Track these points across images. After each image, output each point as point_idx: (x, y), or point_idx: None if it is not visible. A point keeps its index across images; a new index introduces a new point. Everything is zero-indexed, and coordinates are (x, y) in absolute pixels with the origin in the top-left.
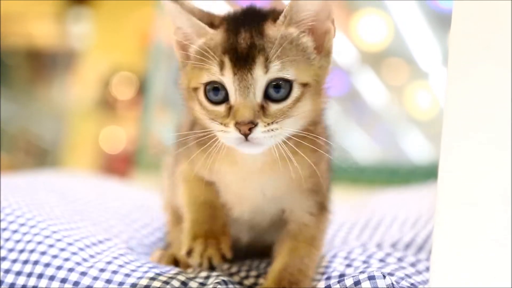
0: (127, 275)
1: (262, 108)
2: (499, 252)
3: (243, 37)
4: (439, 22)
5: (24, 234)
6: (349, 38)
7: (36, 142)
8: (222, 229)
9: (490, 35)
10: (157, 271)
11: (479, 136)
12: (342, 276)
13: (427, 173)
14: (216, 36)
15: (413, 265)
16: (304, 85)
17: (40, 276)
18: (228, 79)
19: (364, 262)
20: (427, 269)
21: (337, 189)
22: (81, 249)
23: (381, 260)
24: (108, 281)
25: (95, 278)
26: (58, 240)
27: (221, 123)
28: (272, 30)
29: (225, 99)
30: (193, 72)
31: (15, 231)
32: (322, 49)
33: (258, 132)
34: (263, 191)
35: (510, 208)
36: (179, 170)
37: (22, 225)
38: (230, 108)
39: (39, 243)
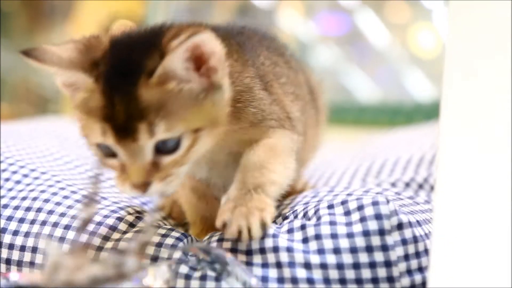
0: (132, 224)
1: (154, 164)
2: (499, 252)
3: (118, 108)
4: None
5: (28, 184)
6: None
7: (36, 91)
8: None
9: None
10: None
11: (481, 74)
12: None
13: (429, 112)
14: (95, 96)
15: (410, 198)
16: (196, 130)
17: (43, 223)
18: (112, 144)
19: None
20: (425, 202)
21: (340, 130)
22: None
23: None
24: (112, 228)
25: (99, 224)
26: (62, 188)
27: (118, 178)
28: (148, 93)
29: (116, 154)
30: (81, 120)
31: (18, 182)
32: (212, 86)
33: (155, 189)
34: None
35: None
36: None
37: (25, 175)
38: (123, 165)
39: (42, 191)
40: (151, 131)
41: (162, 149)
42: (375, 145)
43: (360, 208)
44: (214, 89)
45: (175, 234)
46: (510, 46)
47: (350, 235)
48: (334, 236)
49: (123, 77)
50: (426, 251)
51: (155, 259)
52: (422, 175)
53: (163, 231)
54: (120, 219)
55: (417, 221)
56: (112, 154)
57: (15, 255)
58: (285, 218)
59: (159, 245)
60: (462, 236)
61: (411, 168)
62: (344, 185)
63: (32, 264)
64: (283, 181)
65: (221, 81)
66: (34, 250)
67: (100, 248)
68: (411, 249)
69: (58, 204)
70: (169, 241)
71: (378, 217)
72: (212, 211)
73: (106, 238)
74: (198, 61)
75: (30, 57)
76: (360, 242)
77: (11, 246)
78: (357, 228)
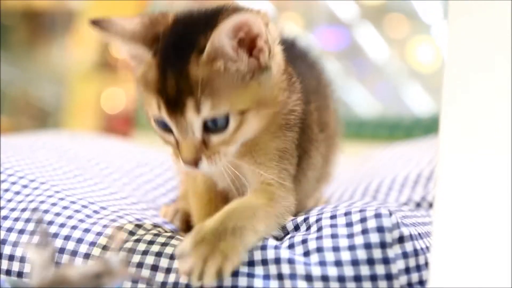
0: (131, 232)
1: (204, 142)
2: (499, 252)
3: (169, 82)
4: None
5: (27, 195)
6: None
7: (36, 104)
8: None
9: None
10: (160, 229)
11: (481, 88)
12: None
13: (429, 126)
14: (152, 69)
15: (411, 210)
16: (243, 112)
17: None
18: (166, 118)
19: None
20: (427, 214)
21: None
22: (84, 207)
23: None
24: (112, 238)
25: (99, 234)
26: (61, 199)
27: (174, 153)
28: (198, 70)
29: (171, 130)
30: (142, 94)
31: (17, 193)
32: (259, 67)
33: (204, 166)
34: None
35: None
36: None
37: (24, 186)
38: (177, 142)
39: (42, 202)
40: (198, 108)
41: (211, 128)
42: (374, 161)
43: (363, 220)
44: (261, 70)
45: (175, 242)
46: (510, 61)
47: (351, 248)
48: (335, 249)
49: (177, 53)
50: (427, 264)
51: (155, 268)
52: (419, 194)
53: (162, 240)
54: (119, 228)
55: (419, 234)
56: (169, 129)
57: (15, 266)
58: (286, 232)
59: (159, 254)
60: (462, 237)
61: (408, 186)
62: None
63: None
64: (262, 235)
65: (268, 63)
66: None
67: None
68: (412, 262)
69: (57, 215)
70: (168, 250)
71: (380, 229)
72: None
73: (105, 247)
74: (247, 42)
75: (97, 27)
76: (361, 254)
77: (11, 258)
78: (359, 240)
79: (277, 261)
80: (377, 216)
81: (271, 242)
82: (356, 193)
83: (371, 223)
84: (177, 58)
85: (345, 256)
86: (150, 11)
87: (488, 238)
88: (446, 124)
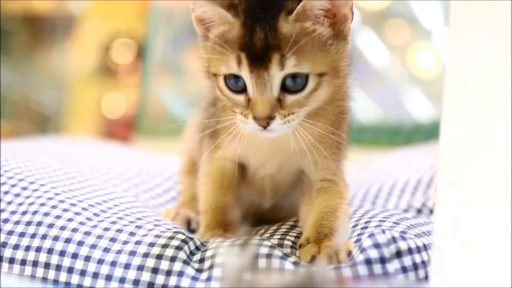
0: (132, 233)
1: (279, 100)
2: (499, 252)
3: (258, 36)
4: None
5: (27, 197)
6: None
7: (37, 109)
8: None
9: None
10: (162, 228)
11: (482, 94)
12: None
13: (429, 132)
14: (234, 28)
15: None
16: (321, 75)
17: (44, 237)
18: (245, 74)
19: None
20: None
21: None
22: (85, 209)
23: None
24: (113, 240)
25: (99, 237)
26: (61, 201)
27: (241, 113)
28: (286, 27)
29: (245, 89)
30: (213, 57)
31: (17, 195)
32: (339, 34)
33: (276, 124)
34: (290, 146)
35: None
36: (202, 159)
37: (24, 188)
38: (249, 100)
39: (42, 205)
40: (282, 63)
41: (289, 87)
42: (374, 167)
43: (357, 240)
44: (340, 38)
45: (181, 236)
46: (510, 67)
47: (353, 265)
48: (337, 268)
49: (265, 12)
50: (427, 277)
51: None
52: (419, 200)
53: (168, 234)
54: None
55: (424, 245)
56: (239, 91)
57: (16, 269)
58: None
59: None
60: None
61: (408, 192)
62: None
63: (33, 277)
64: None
65: (347, 31)
66: (35, 264)
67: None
68: (411, 277)
69: (58, 217)
70: (174, 242)
71: (376, 246)
72: (227, 203)
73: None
74: (331, 10)
75: None
76: (363, 270)
77: (11, 261)
78: (359, 258)
79: None
80: (371, 235)
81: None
82: (355, 198)
83: (367, 242)
84: (265, 16)
85: (347, 272)
86: (151, 11)
87: (488, 243)
88: (447, 130)
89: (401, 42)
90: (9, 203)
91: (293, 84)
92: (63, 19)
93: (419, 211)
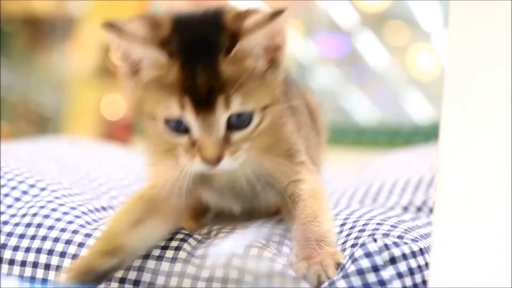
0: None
1: (226, 139)
2: (499, 252)
3: (201, 80)
4: None
5: (27, 202)
6: None
7: (37, 110)
8: None
9: None
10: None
11: (481, 96)
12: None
13: (428, 134)
14: (173, 70)
15: (413, 220)
16: (265, 107)
17: (44, 238)
18: (190, 118)
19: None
20: (426, 224)
21: (338, 151)
22: (84, 213)
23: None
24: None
25: None
26: (61, 205)
27: (185, 153)
28: (228, 68)
29: (188, 130)
30: (146, 97)
31: (17, 199)
32: (273, 63)
33: (226, 163)
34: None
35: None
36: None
37: (24, 192)
38: (194, 141)
39: (42, 207)
40: (228, 104)
41: (235, 124)
42: (373, 167)
43: (355, 245)
44: (275, 66)
45: (179, 236)
46: (510, 69)
47: (345, 276)
48: (330, 283)
49: (202, 52)
50: (424, 282)
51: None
52: (420, 198)
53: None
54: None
55: (420, 249)
56: (182, 131)
57: (16, 270)
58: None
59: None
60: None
61: (409, 191)
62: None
63: (33, 279)
64: (333, 225)
65: (281, 59)
66: (35, 265)
67: None
68: (408, 282)
69: (58, 220)
70: (173, 243)
71: (368, 255)
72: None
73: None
74: (273, 43)
75: (111, 31)
76: (356, 281)
77: (11, 262)
78: (351, 268)
79: None
80: (362, 245)
81: None
82: (356, 195)
83: (358, 252)
84: (204, 57)
85: (341, 284)
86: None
87: (488, 243)
88: (446, 132)
89: (401, 44)
90: (9, 206)
91: (239, 121)
92: (63, 20)
93: (419, 209)
